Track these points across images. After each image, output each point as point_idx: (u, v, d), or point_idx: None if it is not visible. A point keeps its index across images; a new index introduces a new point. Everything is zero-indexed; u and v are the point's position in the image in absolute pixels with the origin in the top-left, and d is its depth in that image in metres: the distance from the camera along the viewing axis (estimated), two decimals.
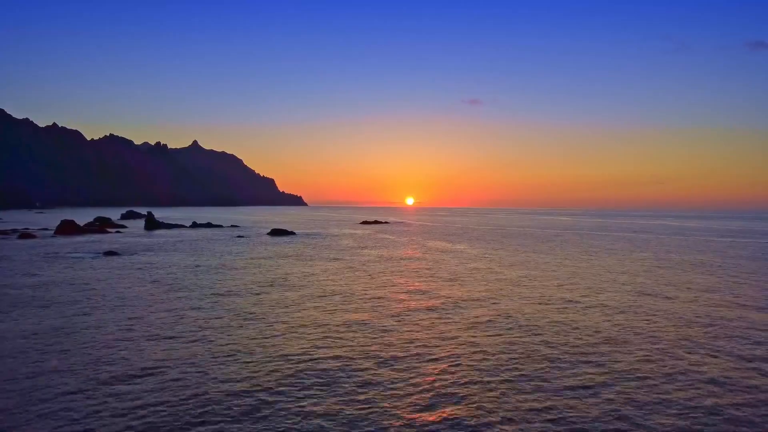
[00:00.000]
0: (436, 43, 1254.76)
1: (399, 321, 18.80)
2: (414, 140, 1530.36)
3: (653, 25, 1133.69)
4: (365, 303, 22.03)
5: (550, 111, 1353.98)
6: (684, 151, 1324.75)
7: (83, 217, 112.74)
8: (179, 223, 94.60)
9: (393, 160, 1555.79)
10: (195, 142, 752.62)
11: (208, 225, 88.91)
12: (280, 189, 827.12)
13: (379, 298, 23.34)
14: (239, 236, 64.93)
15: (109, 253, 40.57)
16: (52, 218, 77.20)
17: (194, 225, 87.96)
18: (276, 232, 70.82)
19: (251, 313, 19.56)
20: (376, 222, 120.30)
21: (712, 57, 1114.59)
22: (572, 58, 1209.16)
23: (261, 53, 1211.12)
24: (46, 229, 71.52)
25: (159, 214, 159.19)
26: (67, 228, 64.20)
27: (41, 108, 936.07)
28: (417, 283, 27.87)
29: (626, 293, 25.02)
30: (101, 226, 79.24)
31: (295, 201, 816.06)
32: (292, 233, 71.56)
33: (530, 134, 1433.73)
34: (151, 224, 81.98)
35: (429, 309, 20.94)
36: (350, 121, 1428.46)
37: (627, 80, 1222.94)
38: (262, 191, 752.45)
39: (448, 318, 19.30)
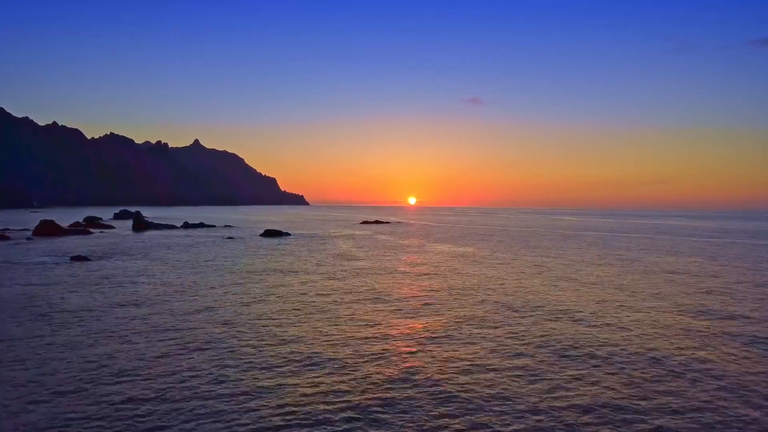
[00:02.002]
0: (436, 43, 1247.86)
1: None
2: (415, 139, 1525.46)
3: (654, 25, 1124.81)
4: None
5: (550, 111, 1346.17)
6: (684, 151, 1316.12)
7: (77, 216, 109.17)
8: (171, 223, 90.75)
9: (394, 160, 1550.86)
10: (196, 141, 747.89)
11: (201, 225, 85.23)
12: (282, 188, 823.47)
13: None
14: (229, 237, 61.17)
15: (78, 258, 36.76)
16: (45, 218, 73.47)
17: (185, 225, 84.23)
18: (269, 233, 67.02)
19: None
20: (376, 222, 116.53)
21: (712, 57, 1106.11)
22: (572, 58, 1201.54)
23: (261, 53, 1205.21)
24: (26, 230, 67.80)
25: (159, 213, 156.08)
26: (46, 229, 60.44)
27: (41, 107, 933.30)
28: (410, 320, 23.89)
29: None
30: (87, 226, 75.73)
31: (297, 200, 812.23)
32: (286, 234, 67.80)
33: (531, 134, 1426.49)
34: (139, 225, 78.19)
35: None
36: (351, 121, 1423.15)
37: (627, 80, 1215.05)
38: (263, 191, 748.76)
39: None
